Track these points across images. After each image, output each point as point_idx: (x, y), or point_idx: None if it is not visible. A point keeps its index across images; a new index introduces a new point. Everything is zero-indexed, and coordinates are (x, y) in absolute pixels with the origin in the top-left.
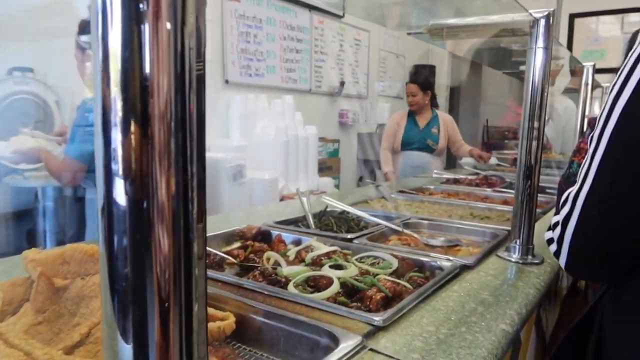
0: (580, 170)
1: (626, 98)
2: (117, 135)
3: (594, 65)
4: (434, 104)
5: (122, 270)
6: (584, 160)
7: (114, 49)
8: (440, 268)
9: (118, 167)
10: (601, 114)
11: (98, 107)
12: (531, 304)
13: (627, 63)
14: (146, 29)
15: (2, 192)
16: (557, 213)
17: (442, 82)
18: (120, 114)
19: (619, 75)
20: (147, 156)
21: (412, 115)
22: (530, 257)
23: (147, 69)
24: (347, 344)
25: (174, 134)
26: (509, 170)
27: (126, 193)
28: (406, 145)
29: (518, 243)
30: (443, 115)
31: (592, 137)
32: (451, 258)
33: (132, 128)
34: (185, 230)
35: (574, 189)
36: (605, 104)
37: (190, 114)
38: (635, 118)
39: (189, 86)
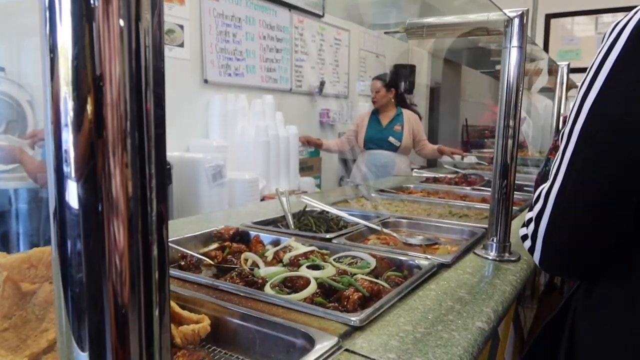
0: (552, 167)
1: (594, 96)
2: (68, 136)
3: (568, 65)
4: (402, 102)
5: (76, 276)
6: (556, 158)
7: (63, 47)
8: (418, 267)
9: (70, 169)
10: (571, 111)
11: (48, 107)
12: (507, 300)
13: (594, 62)
14: (97, 25)
15: None
16: (530, 210)
17: (422, 82)
18: (71, 113)
19: (588, 74)
20: (101, 157)
21: (375, 113)
22: (507, 254)
23: (99, 68)
24: (322, 345)
25: (130, 134)
26: (488, 169)
27: (79, 196)
28: (369, 143)
29: (495, 241)
30: (408, 113)
31: (562, 134)
32: (429, 257)
33: (84, 128)
34: (144, 233)
35: (546, 186)
36: (575, 101)
37: (148, 113)
38: (602, 116)
39: (145, 84)
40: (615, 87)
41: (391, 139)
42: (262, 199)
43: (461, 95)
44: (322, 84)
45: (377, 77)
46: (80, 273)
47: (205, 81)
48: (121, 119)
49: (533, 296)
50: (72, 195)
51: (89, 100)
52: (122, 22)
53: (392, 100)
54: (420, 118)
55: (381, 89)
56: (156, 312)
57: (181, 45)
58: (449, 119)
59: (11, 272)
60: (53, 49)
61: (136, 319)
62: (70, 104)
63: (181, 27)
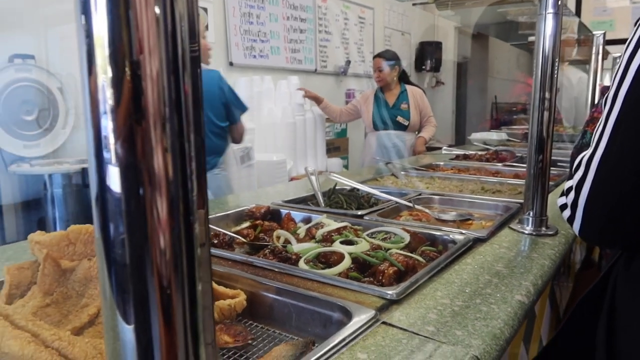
0: (594, 134)
1: None
2: (107, 123)
3: (604, 34)
4: (404, 79)
5: (120, 257)
6: (598, 124)
7: (99, 35)
8: (453, 242)
9: (110, 155)
10: (615, 75)
11: (86, 94)
12: (547, 274)
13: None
14: (133, 12)
15: (10, 181)
16: (570, 178)
17: (449, 58)
18: (109, 101)
19: (633, 36)
20: (140, 142)
21: (380, 92)
22: (544, 228)
23: (136, 54)
24: (360, 318)
25: (169, 119)
26: (520, 145)
27: (120, 181)
28: (377, 125)
29: (531, 215)
30: (412, 89)
31: (606, 98)
32: (464, 231)
33: (123, 115)
34: (185, 213)
35: (587, 153)
36: (620, 64)
37: (186, 96)
38: None
39: (183, 69)
40: None
41: (399, 118)
42: (290, 180)
43: (489, 72)
44: (348, 63)
45: (379, 55)
46: (124, 254)
47: (231, 64)
48: (159, 104)
49: (568, 274)
50: (114, 180)
51: (127, 87)
52: (157, 9)
53: (395, 78)
54: (425, 93)
55: (385, 67)
56: (199, 287)
57: (205, 28)
58: (477, 95)
59: (50, 250)
60: (89, 37)
61: (180, 294)
62: (108, 92)
63: (205, 10)
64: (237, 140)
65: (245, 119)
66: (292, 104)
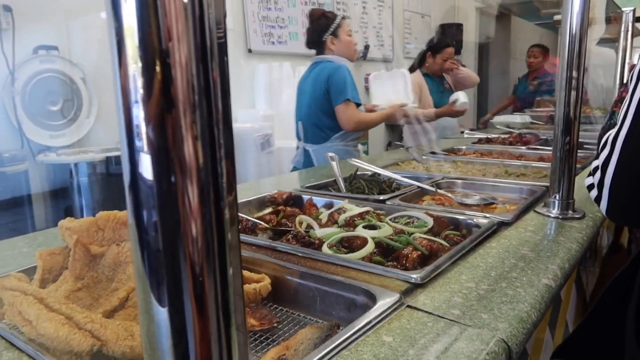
0: (620, 112)
1: None
2: (138, 112)
3: (633, 11)
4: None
5: (153, 243)
6: (624, 103)
7: (129, 25)
8: (477, 226)
9: (142, 143)
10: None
11: (117, 84)
12: (574, 258)
13: None
14: (162, 0)
15: (38, 170)
16: (596, 158)
17: (470, 40)
18: (140, 90)
19: None
20: (171, 131)
21: (430, 77)
22: (570, 212)
23: (165, 43)
24: (385, 302)
25: (198, 106)
26: (544, 128)
27: (152, 168)
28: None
29: (557, 198)
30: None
31: (631, 76)
32: (488, 215)
33: (154, 104)
34: (216, 200)
35: (613, 131)
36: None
37: (214, 84)
38: None
39: (211, 55)
40: None
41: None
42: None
43: (512, 53)
44: (367, 47)
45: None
46: (157, 240)
47: (249, 51)
48: (189, 92)
49: (594, 259)
50: (146, 168)
51: (157, 75)
52: None
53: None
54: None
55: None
56: (230, 271)
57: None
58: (500, 78)
59: (80, 236)
60: (119, 28)
61: (212, 278)
62: (139, 81)
63: None
64: (343, 126)
65: (265, 106)
66: None
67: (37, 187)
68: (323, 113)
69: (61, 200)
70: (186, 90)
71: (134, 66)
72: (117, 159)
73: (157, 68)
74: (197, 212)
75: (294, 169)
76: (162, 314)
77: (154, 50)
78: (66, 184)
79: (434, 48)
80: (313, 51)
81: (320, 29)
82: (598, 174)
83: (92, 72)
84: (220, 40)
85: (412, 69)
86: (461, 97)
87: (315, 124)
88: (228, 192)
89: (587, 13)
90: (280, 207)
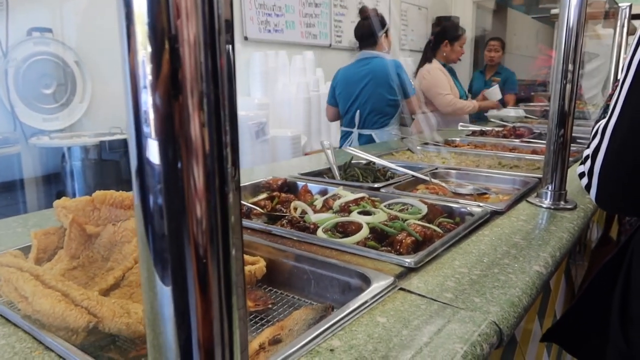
0: (610, 102)
1: None
2: (147, 98)
3: (630, 7)
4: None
5: (159, 226)
6: (614, 92)
7: (139, 11)
8: (471, 214)
9: (150, 129)
10: (633, 42)
11: (126, 69)
12: (565, 247)
13: None
14: None
15: (31, 154)
16: (588, 147)
17: (466, 34)
18: (149, 76)
19: None
20: (178, 117)
21: (446, 66)
22: (562, 202)
23: (174, 29)
24: (379, 284)
25: (206, 93)
26: (537, 122)
27: (160, 154)
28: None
29: (550, 189)
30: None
31: (622, 66)
32: (481, 204)
33: (162, 90)
34: (221, 185)
35: (603, 121)
36: (637, 32)
37: (222, 71)
38: None
39: (219, 42)
40: None
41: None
42: (304, 155)
43: (508, 48)
44: None
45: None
46: (162, 224)
47: (246, 38)
48: (197, 78)
49: (584, 252)
50: (153, 154)
51: (165, 61)
52: None
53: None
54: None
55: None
56: (233, 252)
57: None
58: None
59: (76, 215)
60: (129, 13)
61: (215, 261)
62: (148, 67)
63: None
64: (411, 112)
65: (260, 94)
66: (306, 79)
67: (29, 171)
68: (387, 103)
69: (53, 185)
70: (194, 76)
71: (143, 52)
72: (111, 144)
73: (166, 54)
74: (202, 197)
75: None
76: (166, 293)
77: (163, 35)
78: (58, 168)
79: (452, 37)
80: (306, 40)
81: (376, 26)
82: (588, 162)
83: (86, 56)
84: (228, 27)
85: (427, 60)
86: (498, 93)
87: (380, 111)
88: (232, 177)
89: (585, 7)
90: (275, 193)
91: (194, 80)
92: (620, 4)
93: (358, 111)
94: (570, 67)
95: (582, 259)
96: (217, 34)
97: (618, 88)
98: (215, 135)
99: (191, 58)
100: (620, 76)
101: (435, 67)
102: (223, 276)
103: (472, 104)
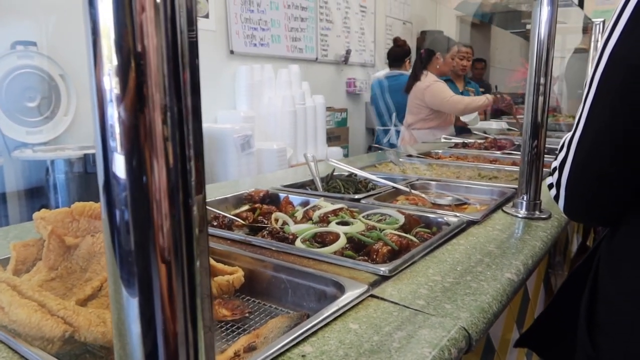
0: (575, 116)
1: (613, 42)
2: (113, 112)
3: (603, 22)
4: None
5: (125, 239)
6: (579, 106)
7: (105, 25)
8: (447, 224)
9: (116, 143)
10: (595, 57)
11: (92, 83)
12: (537, 255)
13: (617, 8)
14: (135, 1)
15: (14, 167)
16: (555, 159)
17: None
18: (115, 90)
19: (610, 20)
20: (143, 131)
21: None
22: (537, 212)
23: (139, 44)
24: (353, 292)
25: (169, 107)
26: (519, 134)
27: (125, 168)
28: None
29: (525, 199)
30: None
31: (585, 83)
32: (458, 214)
33: (127, 104)
34: (184, 198)
35: (569, 134)
36: (597, 49)
37: (185, 85)
38: (621, 60)
39: (182, 56)
40: (635, 32)
41: None
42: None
43: (490, 61)
44: (348, 52)
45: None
46: (129, 236)
47: (231, 52)
48: (160, 93)
49: (564, 262)
50: (119, 168)
51: (131, 76)
52: None
53: None
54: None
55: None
56: (198, 263)
57: (206, 16)
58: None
59: (55, 226)
60: (95, 27)
61: (179, 270)
62: (113, 81)
63: None
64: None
65: (245, 107)
66: (292, 92)
67: (11, 184)
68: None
69: (36, 198)
70: (157, 92)
71: (109, 65)
72: (95, 158)
73: (131, 69)
74: (166, 211)
75: (391, 145)
76: (132, 304)
77: (128, 50)
78: (42, 182)
79: (443, 49)
80: (292, 54)
81: (403, 53)
82: (556, 174)
83: (71, 69)
84: (191, 39)
85: (418, 74)
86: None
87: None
88: (197, 191)
89: (555, 22)
90: (257, 205)
91: (158, 94)
92: (593, 20)
93: (394, 113)
94: (542, 80)
95: (561, 269)
96: (180, 46)
97: (582, 102)
98: (179, 149)
99: (154, 71)
100: (584, 91)
101: (431, 79)
102: (188, 287)
103: (484, 97)
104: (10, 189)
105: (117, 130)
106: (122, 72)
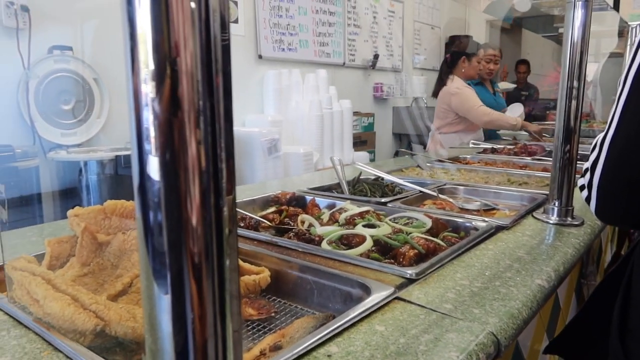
0: (609, 116)
1: None
2: (148, 115)
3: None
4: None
5: (158, 238)
6: (613, 106)
7: (142, 31)
8: (475, 228)
9: (151, 146)
10: (629, 58)
11: (129, 87)
12: (569, 262)
13: None
14: (171, 8)
15: (49, 168)
16: (587, 160)
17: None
18: (150, 94)
19: None
20: (177, 134)
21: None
22: (569, 218)
23: (175, 50)
24: (379, 294)
25: (202, 111)
26: (550, 140)
27: (160, 170)
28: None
29: (556, 205)
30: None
31: (619, 81)
32: (486, 219)
33: (162, 108)
34: (216, 199)
35: (602, 134)
36: (632, 47)
37: (217, 89)
38: None
39: (215, 62)
40: None
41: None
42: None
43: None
44: (376, 57)
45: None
46: (162, 236)
47: (260, 57)
48: (195, 97)
49: (597, 272)
50: (154, 169)
51: (166, 81)
52: (192, 4)
53: None
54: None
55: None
56: (227, 262)
57: (235, 21)
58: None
59: (88, 223)
60: (133, 34)
61: (210, 269)
62: (149, 85)
63: (235, 2)
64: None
65: (273, 111)
66: (319, 97)
67: (47, 184)
68: None
69: (70, 199)
70: (192, 96)
71: (145, 70)
72: (126, 159)
73: (166, 74)
74: (198, 212)
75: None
76: (164, 301)
77: (164, 56)
78: (75, 182)
79: (469, 52)
80: (320, 59)
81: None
82: (588, 175)
83: (105, 73)
84: (224, 43)
85: (445, 79)
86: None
87: None
88: (228, 192)
89: (589, 25)
90: (283, 207)
91: (192, 98)
92: (630, 23)
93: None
94: (575, 84)
95: (594, 279)
96: (214, 51)
97: (615, 102)
98: (212, 152)
99: (189, 76)
100: (618, 91)
101: (460, 84)
102: (217, 285)
103: (514, 119)
104: (45, 190)
105: (152, 133)
106: (158, 77)
